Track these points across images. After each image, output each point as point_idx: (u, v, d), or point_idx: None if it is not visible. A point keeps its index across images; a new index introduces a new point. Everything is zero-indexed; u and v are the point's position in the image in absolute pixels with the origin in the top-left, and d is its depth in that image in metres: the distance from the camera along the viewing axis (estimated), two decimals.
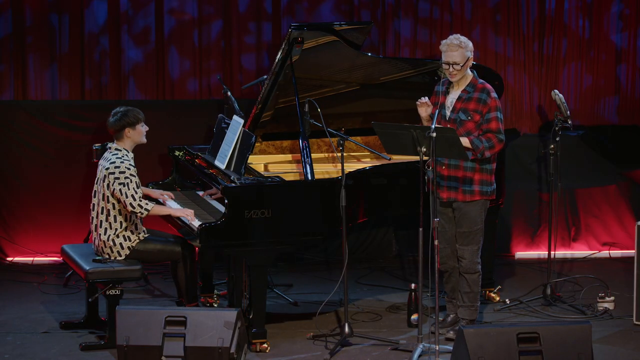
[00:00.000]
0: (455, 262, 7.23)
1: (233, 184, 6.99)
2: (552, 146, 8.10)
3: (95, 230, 7.19)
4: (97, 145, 8.37)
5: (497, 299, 8.09)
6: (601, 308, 7.80)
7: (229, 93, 8.18)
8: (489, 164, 7.09)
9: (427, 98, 7.06)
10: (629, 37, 9.61)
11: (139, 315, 6.38)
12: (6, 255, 9.27)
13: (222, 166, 7.39)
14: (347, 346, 7.07)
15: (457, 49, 6.94)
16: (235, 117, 7.53)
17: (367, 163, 7.89)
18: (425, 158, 6.66)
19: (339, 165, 7.08)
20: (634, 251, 7.53)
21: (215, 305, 7.90)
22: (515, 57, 9.58)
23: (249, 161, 7.34)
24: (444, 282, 7.33)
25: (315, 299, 8.08)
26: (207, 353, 6.27)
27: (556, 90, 8.16)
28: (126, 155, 7.13)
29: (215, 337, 6.28)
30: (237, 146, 7.34)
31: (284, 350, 7.02)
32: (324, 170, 7.73)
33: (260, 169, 7.72)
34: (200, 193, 7.65)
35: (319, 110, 7.10)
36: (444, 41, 7.01)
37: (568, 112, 8.09)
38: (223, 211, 6.93)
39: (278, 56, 7.39)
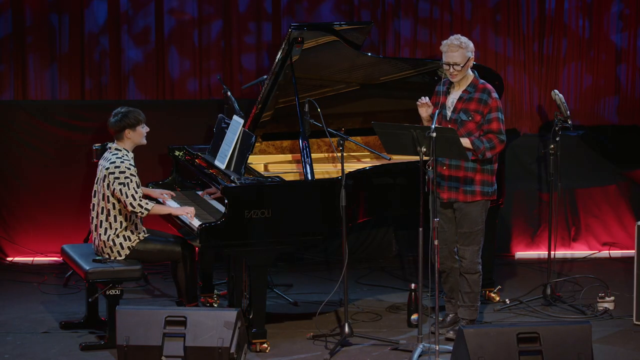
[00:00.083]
0: (452, 262, 7.23)
1: (233, 184, 6.99)
2: (552, 146, 8.10)
3: (95, 230, 7.19)
4: (97, 145, 8.37)
5: (497, 299, 8.09)
6: (601, 308, 7.80)
7: (229, 93, 8.18)
8: (490, 165, 7.09)
9: (427, 98, 7.06)
10: (629, 37, 9.61)
11: (139, 315, 6.38)
12: (6, 255, 9.27)
13: (222, 166, 7.39)
14: (347, 346, 7.07)
15: (458, 50, 6.94)
16: (235, 117, 7.53)
17: (367, 163, 7.89)
18: (425, 158, 6.67)
19: (339, 165, 7.08)
20: (634, 251, 7.53)
21: (215, 305, 7.90)
22: (515, 57, 9.58)
23: (249, 161, 7.34)
24: (442, 282, 7.33)
25: (315, 299, 8.08)
26: (207, 353, 6.27)
27: (556, 90, 8.16)
28: (126, 155, 7.13)
29: (215, 337, 6.28)
30: (237, 146, 7.33)
31: (284, 350, 7.02)
32: (324, 170, 7.73)
33: (260, 169, 7.72)
34: (200, 193, 7.65)
35: (319, 110, 7.10)
36: (445, 42, 7.00)
37: (568, 112, 8.09)
38: (223, 211, 6.93)
39: (278, 56, 7.39)
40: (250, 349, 6.94)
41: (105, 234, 7.13)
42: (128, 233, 7.15)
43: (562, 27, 9.54)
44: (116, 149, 7.15)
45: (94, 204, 7.21)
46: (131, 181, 7.03)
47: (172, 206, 7.38)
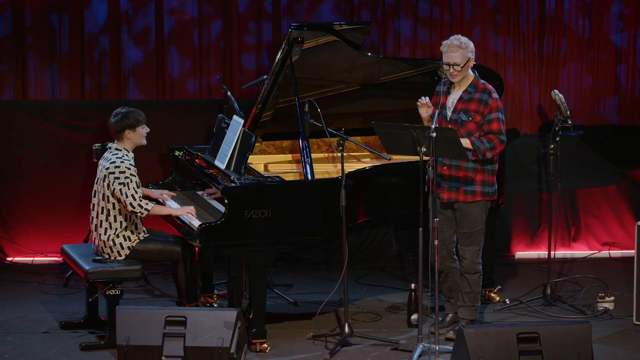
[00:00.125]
0: (451, 262, 7.23)
1: (233, 184, 6.99)
2: (552, 146, 8.10)
3: (95, 230, 7.19)
4: (97, 145, 8.37)
5: (497, 299, 8.09)
6: (601, 308, 7.80)
7: (229, 93, 8.18)
8: (491, 165, 7.09)
9: (427, 98, 7.05)
10: (629, 37, 9.61)
11: (139, 315, 6.38)
12: (6, 255, 9.27)
13: (222, 166, 7.39)
14: (347, 346, 7.07)
15: (458, 50, 6.93)
16: (235, 117, 7.53)
17: (367, 163, 7.89)
18: (425, 158, 6.66)
19: (339, 165, 7.08)
20: (634, 251, 7.53)
21: (215, 305, 7.89)
22: (515, 57, 9.58)
23: (249, 161, 7.34)
24: (440, 282, 7.32)
25: (315, 299, 8.08)
26: (207, 353, 6.27)
27: (556, 90, 8.16)
28: (126, 155, 7.13)
29: (215, 337, 6.28)
30: (237, 146, 7.33)
31: (284, 350, 7.02)
32: (324, 170, 7.73)
33: (260, 169, 7.72)
34: (200, 193, 7.65)
35: (319, 110, 7.10)
36: (445, 42, 7.00)
37: (568, 112, 8.09)
38: (223, 211, 6.93)
39: (278, 56, 7.39)
40: (250, 349, 6.94)
41: (105, 234, 7.13)
42: (128, 233, 7.15)
43: (562, 27, 9.54)
44: (116, 149, 7.15)
45: (94, 204, 7.21)
46: (131, 181, 7.03)
47: (172, 206, 7.39)
